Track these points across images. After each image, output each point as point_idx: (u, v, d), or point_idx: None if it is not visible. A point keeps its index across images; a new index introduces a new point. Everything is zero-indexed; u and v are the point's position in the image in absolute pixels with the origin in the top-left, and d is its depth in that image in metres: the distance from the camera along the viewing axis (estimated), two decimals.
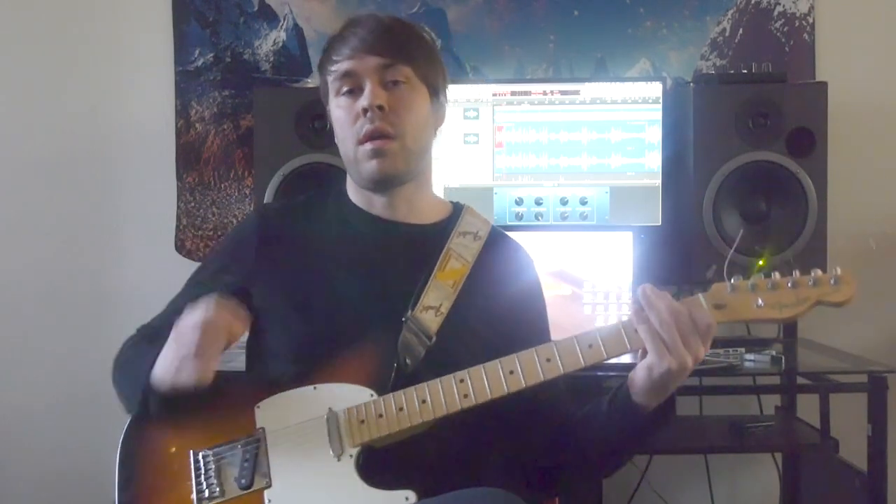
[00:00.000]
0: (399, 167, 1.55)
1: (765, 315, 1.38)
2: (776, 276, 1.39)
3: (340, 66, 1.55)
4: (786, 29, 2.80)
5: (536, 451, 1.56)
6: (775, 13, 2.80)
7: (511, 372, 1.41)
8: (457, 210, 1.68)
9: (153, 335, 1.59)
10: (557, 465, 1.56)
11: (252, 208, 2.73)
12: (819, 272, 1.39)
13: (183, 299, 1.58)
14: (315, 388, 1.48)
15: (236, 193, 2.85)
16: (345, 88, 1.55)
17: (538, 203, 2.55)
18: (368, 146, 1.54)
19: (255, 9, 2.84)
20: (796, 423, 2.60)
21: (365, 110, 1.53)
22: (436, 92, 1.61)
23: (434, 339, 1.51)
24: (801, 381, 2.39)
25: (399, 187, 1.59)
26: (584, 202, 2.54)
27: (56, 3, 2.86)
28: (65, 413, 2.69)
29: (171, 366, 1.44)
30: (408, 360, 1.49)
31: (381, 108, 1.52)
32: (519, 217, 2.55)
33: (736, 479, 2.87)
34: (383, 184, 1.57)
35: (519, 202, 2.55)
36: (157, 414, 1.48)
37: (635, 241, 2.36)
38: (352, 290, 1.56)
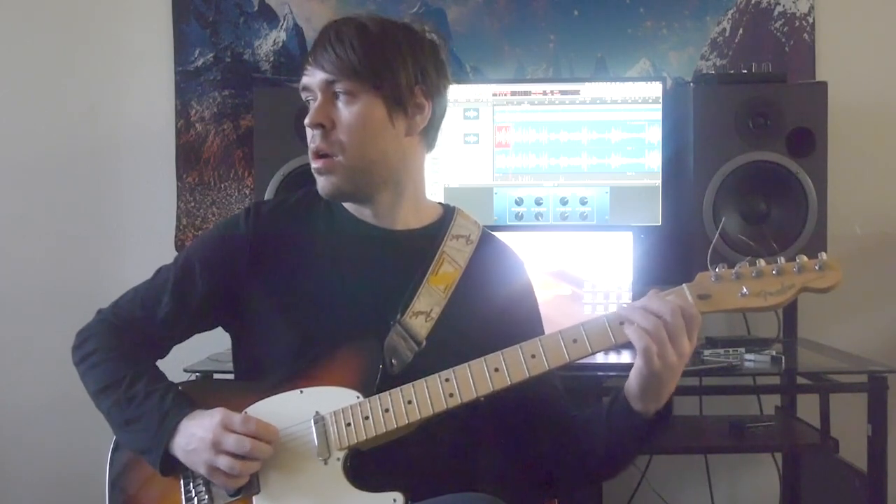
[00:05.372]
0: (342, 185, 1.52)
1: (750, 304, 1.35)
2: (761, 263, 1.36)
3: (302, 79, 1.54)
4: (786, 29, 2.80)
5: (535, 454, 1.55)
6: (775, 13, 2.80)
7: (496, 369, 1.40)
8: (448, 212, 1.65)
9: (130, 328, 1.57)
10: (557, 468, 1.55)
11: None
12: (804, 258, 1.35)
13: (163, 293, 1.57)
14: (301, 391, 1.47)
15: (236, 193, 2.85)
16: (309, 100, 1.54)
17: (538, 203, 2.55)
18: (313, 164, 1.53)
19: (255, 9, 2.84)
20: (796, 423, 2.60)
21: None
22: (398, 100, 1.51)
23: (424, 344, 1.50)
24: (801, 381, 2.39)
25: (368, 199, 1.56)
26: (584, 202, 2.54)
27: (56, 3, 2.86)
28: (65, 413, 2.69)
29: (197, 462, 1.43)
30: (393, 361, 1.48)
31: (321, 126, 1.50)
32: (519, 217, 2.55)
33: (736, 479, 2.87)
34: (335, 198, 1.56)
35: (519, 202, 2.55)
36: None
37: (635, 241, 2.36)
38: (340, 293, 1.54)
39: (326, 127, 1.50)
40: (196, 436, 1.43)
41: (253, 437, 1.41)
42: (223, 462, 1.40)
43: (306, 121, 1.52)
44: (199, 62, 2.85)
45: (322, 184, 1.53)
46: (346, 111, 1.50)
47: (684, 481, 2.84)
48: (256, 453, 1.41)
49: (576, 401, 1.58)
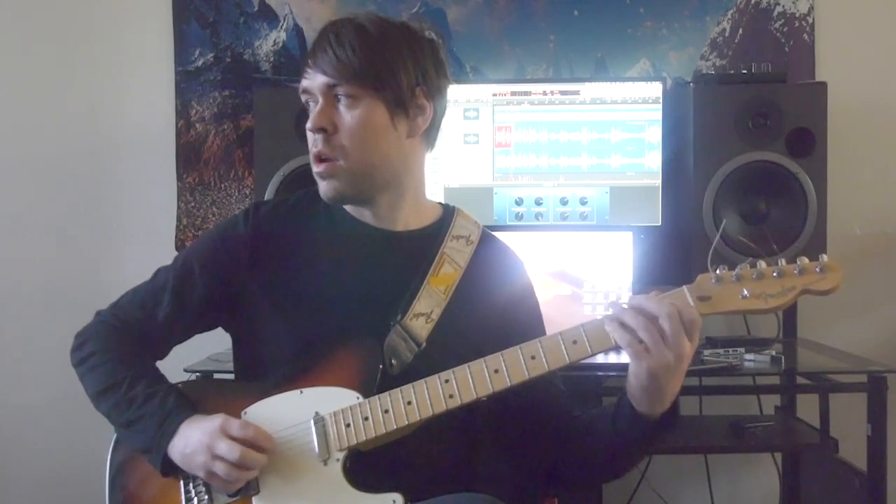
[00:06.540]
0: (344, 189, 1.53)
1: (750, 306, 1.35)
2: (761, 265, 1.35)
3: (301, 82, 1.53)
4: (786, 29, 2.80)
5: (535, 455, 1.56)
6: (775, 13, 2.80)
7: (496, 371, 1.40)
8: (448, 213, 1.65)
9: (130, 330, 1.57)
10: (558, 469, 1.55)
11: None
12: (805, 260, 1.35)
13: (163, 294, 1.57)
14: (301, 392, 1.47)
15: (236, 193, 2.85)
16: (310, 104, 1.54)
17: (538, 203, 2.55)
18: (314, 168, 1.53)
19: (255, 9, 2.84)
20: (796, 423, 2.60)
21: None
22: (400, 102, 1.51)
23: (424, 345, 1.50)
24: (800, 381, 2.39)
25: (369, 201, 1.56)
26: (584, 202, 2.54)
27: (56, 3, 2.86)
28: (65, 413, 2.68)
29: (194, 465, 1.43)
30: (393, 362, 1.48)
31: (323, 130, 1.50)
32: (519, 217, 2.55)
33: (736, 479, 2.87)
34: (337, 202, 1.56)
35: (519, 202, 2.55)
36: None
37: (635, 241, 2.36)
38: (340, 293, 1.54)
39: (328, 131, 1.50)
40: (194, 438, 1.43)
41: (248, 444, 1.41)
42: (219, 467, 1.40)
43: (308, 125, 1.51)
44: (199, 62, 2.85)
45: (324, 188, 1.53)
46: (347, 115, 1.50)
47: (684, 481, 2.84)
48: (247, 462, 1.40)
49: (576, 401, 1.58)
